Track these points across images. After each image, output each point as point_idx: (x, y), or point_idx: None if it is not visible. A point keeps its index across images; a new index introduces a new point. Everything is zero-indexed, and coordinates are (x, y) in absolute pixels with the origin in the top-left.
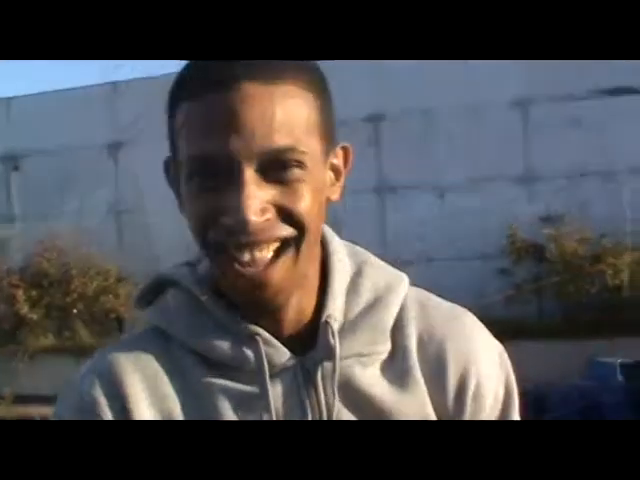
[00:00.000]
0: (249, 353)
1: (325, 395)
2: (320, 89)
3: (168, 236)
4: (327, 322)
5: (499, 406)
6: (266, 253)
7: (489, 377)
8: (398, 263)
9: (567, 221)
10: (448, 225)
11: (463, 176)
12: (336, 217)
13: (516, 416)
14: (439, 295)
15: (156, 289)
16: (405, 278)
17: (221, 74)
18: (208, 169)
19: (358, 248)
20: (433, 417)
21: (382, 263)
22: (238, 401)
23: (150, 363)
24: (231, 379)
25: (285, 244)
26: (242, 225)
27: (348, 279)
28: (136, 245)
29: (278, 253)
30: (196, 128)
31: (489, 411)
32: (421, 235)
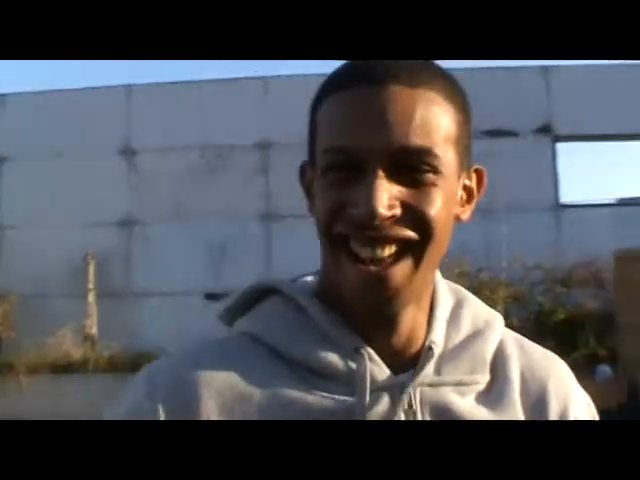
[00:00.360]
0: (353, 367)
1: (423, 419)
2: (461, 105)
3: (51, 254)
4: (431, 348)
5: None
6: (388, 252)
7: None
8: None
9: (448, 255)
10: None
11: None
12: (222, 244)
13: None
14: None
15: (249, 300)
16: (501, 317)
17: (369, 72)
18: (344, 161)
19: (456, 285)
20: None
21: (480, 301)
22: (331, 413)
23: (233, 366)
24: (327, 390)
25: (408, 246)
26: (369, 216)
27: (449, 311)
28: (16, 262)
29: (400, 255)
30: (337, 120)
31: None
32: (307, 265)
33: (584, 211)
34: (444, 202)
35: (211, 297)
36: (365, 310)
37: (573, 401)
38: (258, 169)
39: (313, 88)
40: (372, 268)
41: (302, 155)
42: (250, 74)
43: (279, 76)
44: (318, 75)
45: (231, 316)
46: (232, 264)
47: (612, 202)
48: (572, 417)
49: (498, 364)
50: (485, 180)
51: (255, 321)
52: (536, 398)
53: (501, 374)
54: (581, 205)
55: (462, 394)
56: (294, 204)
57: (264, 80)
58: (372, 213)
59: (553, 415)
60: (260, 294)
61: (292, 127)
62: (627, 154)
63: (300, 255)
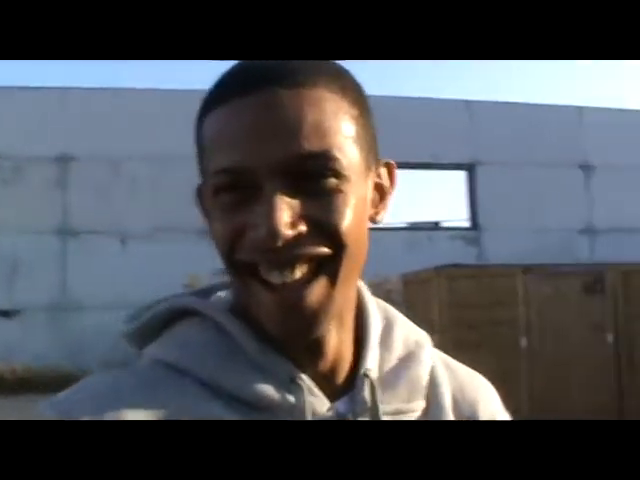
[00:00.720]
0: (290, 399)
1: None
2: (356, 98)
3: None
4: (368, 376)
5: None
6: (300, 273)
7: None
8: (79, 308)
9: None
10: (130, 272)
11: (145, 225)
12: (15, 259)
13: None
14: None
15: (161, 322)
16: (428, 336)
17: (247, 80)
18: (234, 182)
19: (383, 302)
20: None
21: (407, 319)
22: None
23: (156, 399)
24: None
25: (321, 264)
26: (270, 238)
27: (379, 332)
28: None
29: (313, 274)
30: (220, 138)
31: None
32: (102, 280)
33: (377, 233)
34: (354, 208)
35: (3, 314)
36: (285, 337)
37: (499, 418)
38: (56, 183)
39: (117, 102)
40: (285, 294)
41: (103, 170)
42: (52, 84)
43: (78, 88)
44: (121, 89)
45: (141, 340)
46: (26, 280)
47: (404, 226)
48: None
49: (431, 389)
50: (395, 175)
51: (173, 347)
52: (468, 419)
53: (434, 400)
54: (374, 228)
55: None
56: (92, 220)
57: (63, 90)
58: (273, 234)
59: None
60: (173, 315)
61: (93, 141)
62: (418, 181)
63: (96, 271)
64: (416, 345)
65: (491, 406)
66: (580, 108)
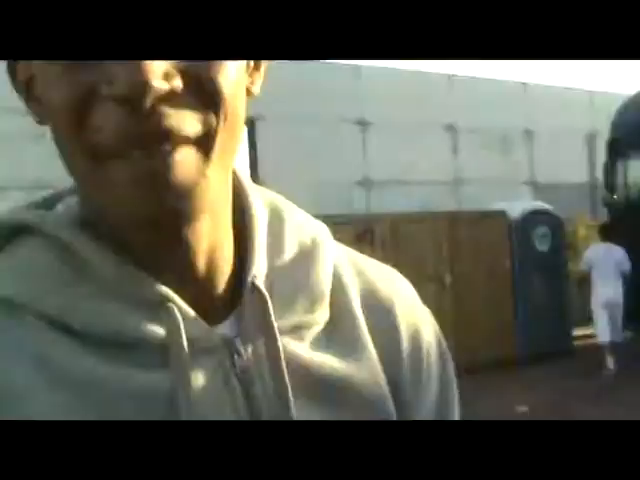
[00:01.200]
0: (157, 328)
1: (269, 385)
2: None
3: None
4: (255, 285)
5: (441, 363)
6: (168, 147)
7: (437, 338)
8: None
9: None
10: None
11: None
12: None
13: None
14: None
15: None
16: (327, 229)
17: None
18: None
19: (269, 191)
20: (384, 385)
21: (301, 211)
22: (141, 395)
23: None
24: (131, 364)
25: (195, 135)
26: (135, 92)
27: (265, 228)
28: None
29: (184, 146)
30: None
31: (441, 370)
32: None
33: None
34: (237, 67)
35: None
36: (148, 218)
37: (422, 322)
38: None
39: None
40: (149, 164)
41: None
42: None
43: None
44: None
45: None
46: None
47: None
48: (424, 341)
49: (337, 293)
50: None
51: (6, 277)
52: (386, 328)
53: (341, 306)
54: None
55: (302, 339)
56: None
57: None
58: (139, 85)
59: (406, 345)
60: (2, 235)
61: None
62: None
63: None
64: (312, 242)
65: (411, 310)
66: (358, 67)
